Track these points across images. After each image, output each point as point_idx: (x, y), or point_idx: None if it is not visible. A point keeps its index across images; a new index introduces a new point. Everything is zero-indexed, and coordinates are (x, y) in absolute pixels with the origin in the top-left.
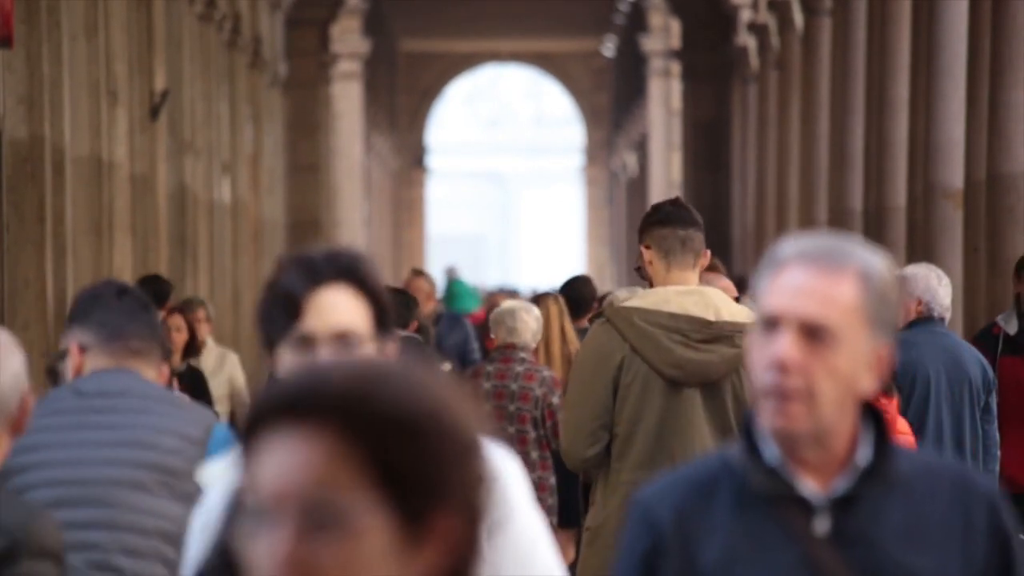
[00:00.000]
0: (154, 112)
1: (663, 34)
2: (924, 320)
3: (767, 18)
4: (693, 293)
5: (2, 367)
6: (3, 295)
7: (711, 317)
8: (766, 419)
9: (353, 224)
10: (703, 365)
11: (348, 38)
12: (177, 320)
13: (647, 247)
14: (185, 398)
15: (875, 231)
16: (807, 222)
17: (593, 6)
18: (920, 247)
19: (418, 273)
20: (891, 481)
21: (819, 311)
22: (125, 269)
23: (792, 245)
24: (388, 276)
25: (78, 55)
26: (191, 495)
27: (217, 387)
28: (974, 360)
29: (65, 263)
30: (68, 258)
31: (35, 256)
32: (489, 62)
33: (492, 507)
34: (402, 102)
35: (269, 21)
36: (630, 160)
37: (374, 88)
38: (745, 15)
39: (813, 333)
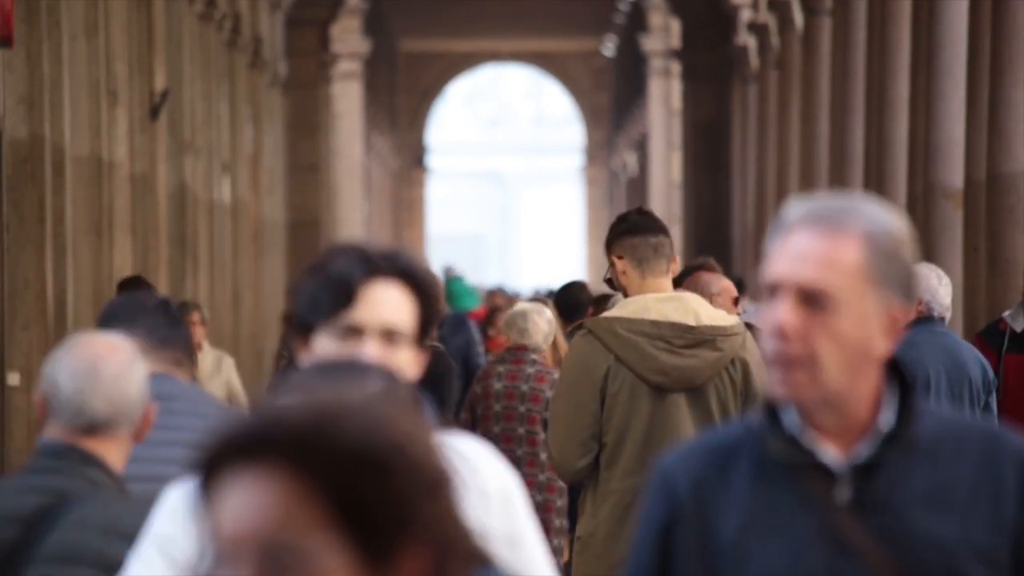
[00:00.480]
0: (154, 112)
1: (663, 34)
2: (924, 320)
3: (767, 18)
4: (672, 299)
5: (132, 377)
6: (3, 295)
7: (692, 322)
8: (773, 387)
9: (353, 224)
10: (687, 370)
11: (348, 38)
12: None
13: (619, 257)
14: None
15: None
16: None
17: (593, 6)
18: (920, 247)
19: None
20: (915, 446)
21: (817, 276)
22: (125, 269)
23: (798, 208)
24: None
25: (78, 55)
26: None
27: (214, 391)
28: (974, 360)
29: (65, 263)
30: (68, 258)
31: (35, 256)
32: (489, 62)
33: (464, 541)
34: (402, 102)
35: (269, 21)
36: (630, 160)
37: (374, 88)
38: (745, 15)
39: (812, 298)
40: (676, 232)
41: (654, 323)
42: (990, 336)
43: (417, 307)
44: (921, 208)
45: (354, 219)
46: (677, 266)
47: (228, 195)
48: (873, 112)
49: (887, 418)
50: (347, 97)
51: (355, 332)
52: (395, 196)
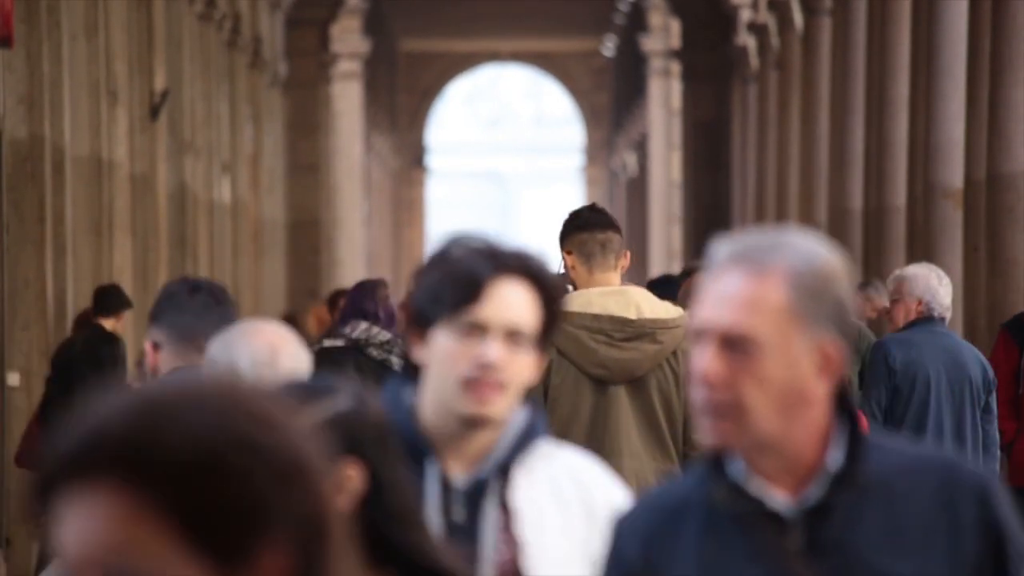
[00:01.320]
0: (154, 112)
1: (663, 34)
2: (924, 320)
3: (767, 18)
4: (615, 293)
5: (302, 366)
6: (3, 295)
7: (632, 315)
8: (703, 436)
9: (353, 224)
10: (627, 362)
11: (348, 38)
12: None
13: (568, 252)
14: None
15: (875, 231)
16: (807, 222)
17: (593, 6)
18: (920, 247)
19: None
20: (868, 484)
21: (739, 320)
22: (125, 269)
23: (723, 247)
24: (388, 276)
25: (78, 55)
26: None
27: None
28: (974, 360)
29: (65, 263)
30: (68, 258)
31: (35, 256)
32: (489, 62)
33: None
34: (402, 102)
35: (269, 21)
36: (630, 160)
37: (374, 88)
38: (745, 15)
39: (735, 344)
40: (676, 232)
41: (595, 317)
42: (1015, 329)
43: (541, 310)
44: (921, 208)
45: (354, 219)
46: (627, 261)
47: (228, 195)
48: (873, 112)
49: (835, 457)
50: (347, 97)
51: (478, 329)
52: (395, 196)
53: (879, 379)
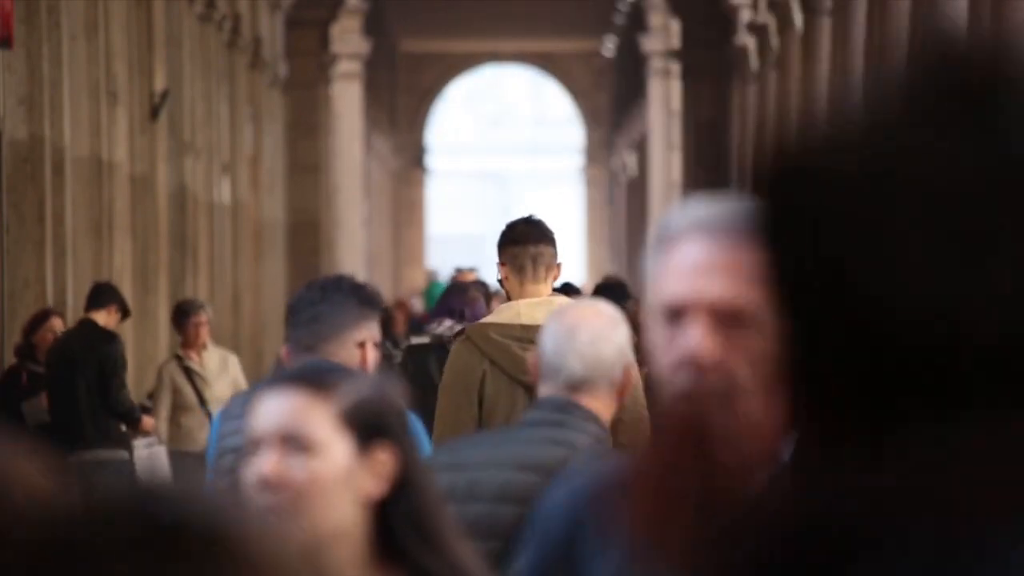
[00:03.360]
0: (154, 112)
1: (663, 34)
2: None
3: (767, 18)
4: (543, 303)
5: (609, 339)
6: (3, 296)
7: None
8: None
9: (353, 224)
10: None
11: (348, 38)
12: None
13: (503, 264)
14: None
15: None
16: None
17: (593, 6)
18: None
19: (468, 270)
20: None
21: (732, 291)
22: (125, 270)
23: (683, 215)
24: (388, 276)
25: (78, 55)
26: None
27: (222, 389)
28: None
29: (65, 264)
30: (68, 259)
31: (35, 257)
32: (489, 62)
33: None
34: (402, 102)
35: (269, 21)
36: (630, 160)
37: (374, 88)
38: (745, 15)
39: (728, 318)
40: None
41: (524, 327)
42: None
43: None
44: None
45: (354, 219)
46: (560, 272)
47: (228, 196)
48: None
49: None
50: (347, 97)
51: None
52: (395, 196)
53: None
